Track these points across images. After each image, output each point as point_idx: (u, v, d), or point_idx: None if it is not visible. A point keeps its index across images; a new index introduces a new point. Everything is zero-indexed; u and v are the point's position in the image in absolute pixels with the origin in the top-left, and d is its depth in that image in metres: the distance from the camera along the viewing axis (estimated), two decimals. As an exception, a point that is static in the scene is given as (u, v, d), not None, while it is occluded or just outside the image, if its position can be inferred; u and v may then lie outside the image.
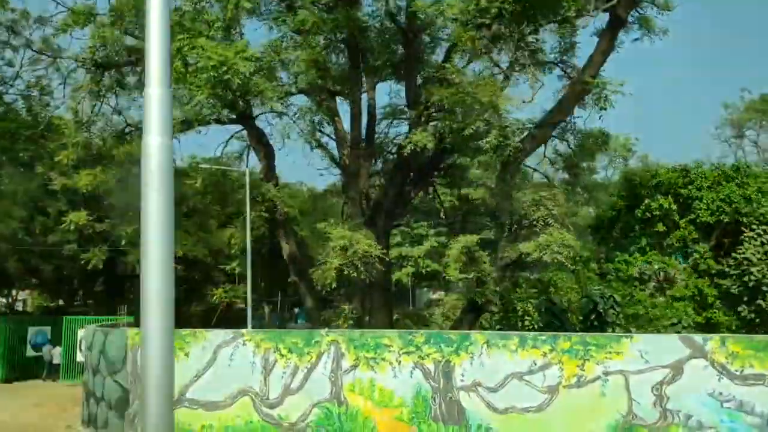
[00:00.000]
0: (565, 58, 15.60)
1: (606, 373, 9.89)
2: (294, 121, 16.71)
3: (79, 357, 23.23)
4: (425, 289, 79.25)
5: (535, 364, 10.24)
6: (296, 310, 64.20)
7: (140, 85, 18.28)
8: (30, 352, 25.32)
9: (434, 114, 15.43)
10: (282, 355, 12.00)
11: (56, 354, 24.67)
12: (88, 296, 32.89)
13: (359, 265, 13.47)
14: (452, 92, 12.79)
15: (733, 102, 45.80)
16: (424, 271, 38.36)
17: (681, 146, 74.60)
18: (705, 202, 23.15)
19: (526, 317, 17.19)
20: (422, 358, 10.94)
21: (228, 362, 12.40)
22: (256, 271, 48.88)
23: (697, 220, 23.27)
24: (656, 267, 23.44)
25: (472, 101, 12.50)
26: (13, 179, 23.37)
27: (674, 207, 23.78)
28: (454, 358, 10.75)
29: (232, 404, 12.24)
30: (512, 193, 14.59)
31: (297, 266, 16.96)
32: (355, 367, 11.43)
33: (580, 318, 16.72)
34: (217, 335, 12.68)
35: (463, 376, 10.66)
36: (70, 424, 15.23)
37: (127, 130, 19.48)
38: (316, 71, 14.33)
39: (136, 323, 22.73)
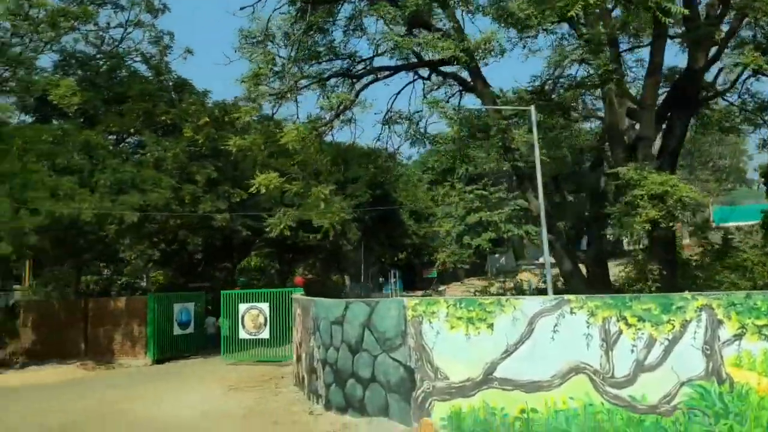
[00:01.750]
0: None
1: None
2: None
3: (242, 334, 21.67)
4: (496, 255, 77.59)
5: None
6: (381, 279, 62.69)
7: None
8: (177, 331, 23.88)
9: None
10: (629, 325, 9.98)
11: (218, 327, 23.57)
12: (209, 271, 31.36)
13: (680, 215, 11.39)
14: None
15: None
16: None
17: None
18: None
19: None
20: None
21: (551, 334, 10.43)
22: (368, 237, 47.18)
23: None
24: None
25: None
26: (159, 145, 21.62)
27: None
28: None
29: (561, 384, 10.29)
30: None
31: (552, 223, 14.90)
32: (739, 336, 9.36)
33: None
34: (532, 303, 10.71)
35: None
36: (311, 410, 13.48)
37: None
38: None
39: (315, 292, 21.11)
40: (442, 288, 55.35)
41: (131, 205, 19.86)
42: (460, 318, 11.08)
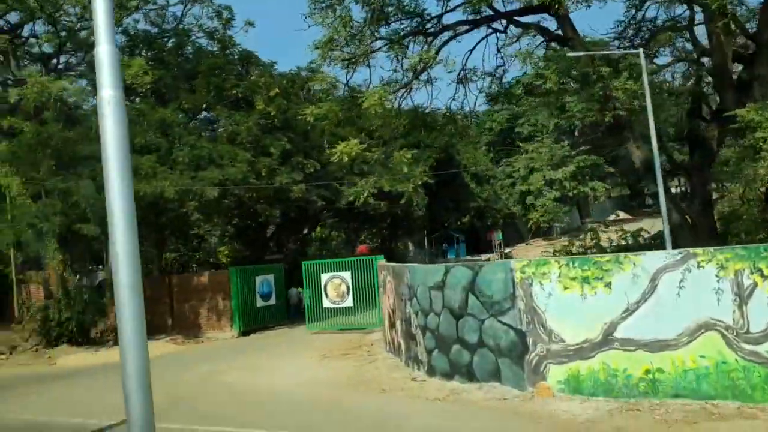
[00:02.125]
0: None
1: None
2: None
3: (326, 303, 21.73)
4: (560, 214, 75.99)
5: None
6: (444, 245, 62.22)
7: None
8: (260, 303, 24.17)
9: None
10: (765, 277, 9.33)
11: (300, 297, 24.07)
12: (282, 243, 31.65)
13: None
14: None
15: None
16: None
17: None
18: None
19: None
20: None
21: (676, 290, 9.86)
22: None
23: None
24: None
25: None
26: (232, 119, 21.57)
27: None
28: None
29: (689, 342, 9.74)
30: None
31: (653, 174, 14.19)
32: None
33: None
34: (654, 259, 10.14)
35: None
36: (413, 376, 13.31)
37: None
38: None
39: (395, 258, 21.05)
40: (508, 250, 54.62)
41: (210, 180, 19.96)
42: (573, 278, 10.62)
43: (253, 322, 23.65)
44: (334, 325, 21.81)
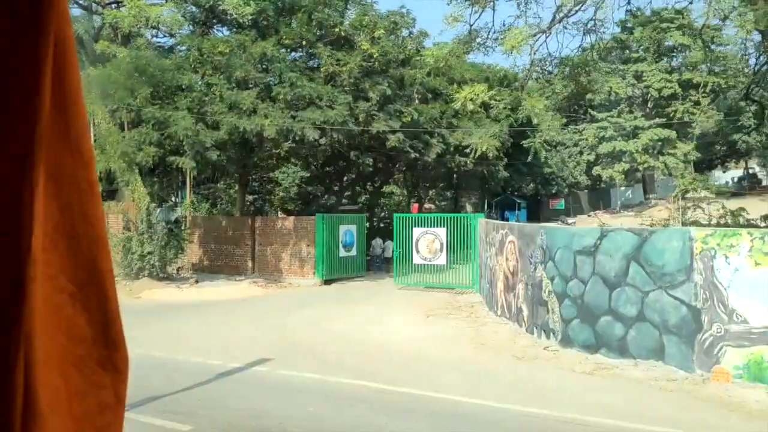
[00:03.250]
0: None
1: None
2: None
3: (416, 259, 20.84)
4: (622, 188, 73.80)
5: None
6: (506, 213, 60.59)
7: None
8: (342, 252, 23.43)
9: None
10: None
11: (388, 249, 23.54)
12: (355, 195, 30.80)
13: None
14: None
15: None
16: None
17: None
18: None
19: None
20: None
21: None
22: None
23: None
24: None
25: None
26: (333, 58, 20.46)
27: None
28: None
29: None
30: None
31: None
32: None
33: None
34: None
35: None
36: (545, 346, 12.36)
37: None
38: None
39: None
40: (571, 221, 52.99)
41: (312, 121, 19.01)
42: (768, 254, 9.43)
43: (335, 271, 22.96)
44: (422, 282, 20.95)
